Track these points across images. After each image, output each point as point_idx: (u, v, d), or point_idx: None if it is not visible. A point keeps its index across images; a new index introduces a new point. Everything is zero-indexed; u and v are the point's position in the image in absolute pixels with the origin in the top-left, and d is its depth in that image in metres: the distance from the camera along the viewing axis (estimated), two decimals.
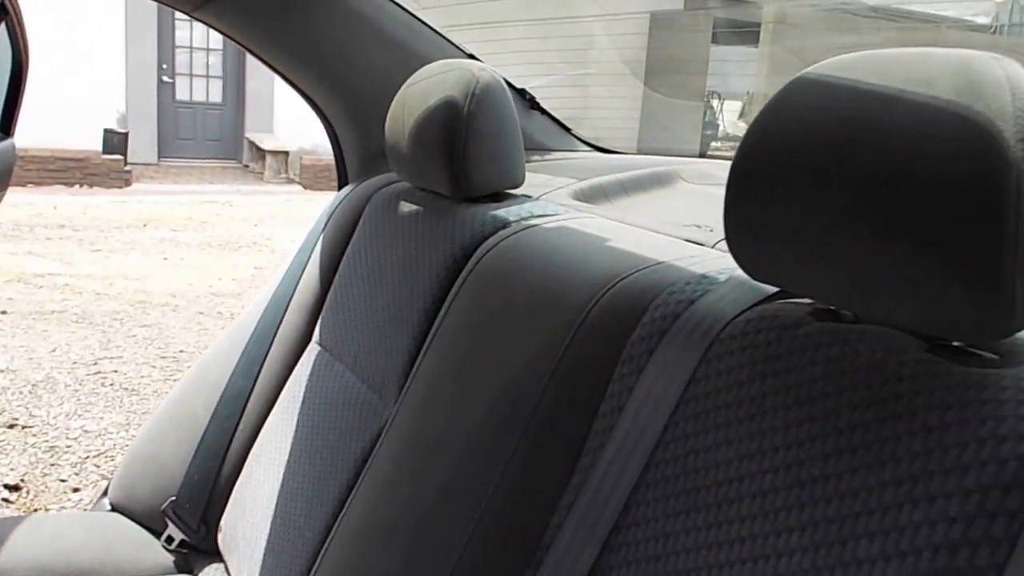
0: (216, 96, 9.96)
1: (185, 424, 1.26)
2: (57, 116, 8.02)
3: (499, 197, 1.06)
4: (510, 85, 1.40)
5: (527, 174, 1.22)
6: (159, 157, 9.72)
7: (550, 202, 1.10)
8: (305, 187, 9.12)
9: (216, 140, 10.11)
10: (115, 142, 8.69)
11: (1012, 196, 0.45)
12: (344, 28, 1.25)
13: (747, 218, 0.57)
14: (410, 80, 1.09)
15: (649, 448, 0.63)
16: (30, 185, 7.98)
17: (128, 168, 8.60)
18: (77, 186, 8.29)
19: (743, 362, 0.60)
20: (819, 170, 0.52)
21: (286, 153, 9.36)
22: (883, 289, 0.51)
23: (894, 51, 0.53)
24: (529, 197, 1.09)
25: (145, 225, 6.49)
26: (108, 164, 8.46)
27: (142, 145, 9.37)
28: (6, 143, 1.79)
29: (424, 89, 1.05)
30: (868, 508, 0.49)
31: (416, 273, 1.00)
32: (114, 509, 1.28)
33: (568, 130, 1.49)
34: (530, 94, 1.41)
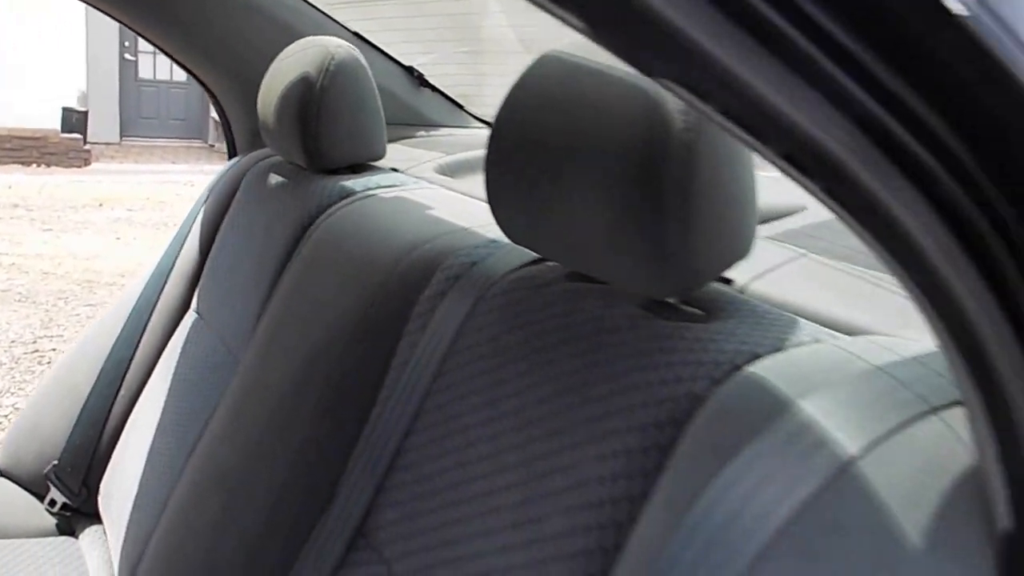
0: (181, 75, 9.84)
1: (69, 392, 1.29)
2: (14, 94, 7.90)
3: (358, 169, 1.10)
4: (397, 62, 1.44)
5: (409, 149, 1.26)
6: (121, 136, 9.62)
7: (412, 175, 1.14)
8: None
9: (181, 120, 10.01)
10: (74, 121, 8.58)
11: (675, 164, 0.50)
12: (226, 5, 1.28)
13: (502, 185, 0.62)
14: (279, 57, 1.12)
15: (421, 397, 0.68)
16: None
17: (87, 147, 8.50)
18: (35, 165, 8.19)
19: (498, 318, 0.65)
20: (555, 144, 0.56)
21: None
22: (600, 251, 0.56)
23: None
24: (391, 170, 1.13)
25: (101, 205, 6.44)
26: (67, 143, 8.36)
27: (103, 124, 9.26)
28: None
29: (287, 66, 1.08)
30: (565, 445, 0.54)
31: (272, 241, 1.03)
32: (1, 475, 1.31)
33: (460, 107, 1.53)
34: (418, 71, 1.45)
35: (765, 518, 0.40)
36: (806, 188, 0.32)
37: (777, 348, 0.52)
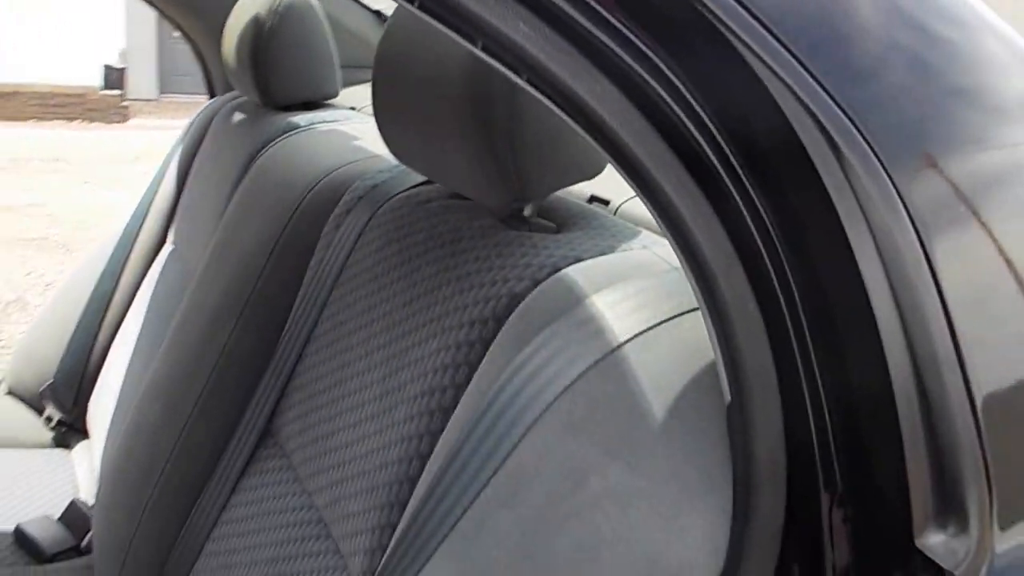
0: None
1: (62, 319, 1.40)
2: (57, 52, 8.10)
3: (311, 106, 1.17)
4: (365, 6, 1.49)
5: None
6: (160, 93, 9.80)
7: (368, 114, 1.21)
8: None
9: None
10: (114, 78, 8.78)
11: (501, 98, 0.56)
12: None
13: (386, 110, 0.68)
14: (239, 0, 1.19)
15: (319, 309, 0.75)
16: (31, 120, 8.12)
17: (126, 104, 8.70)
18: (77, 121, 8.42)
19: (382, 233, 0.71)
20: (422, 75, 0.62)
21: None
22: (458, 170, 0.62)
23: None
24: (342, 107, 1.19)
25: (136, 159, 6.62)
26: (107, 100, 8.57)
27: (142, 81, 9.44)
28: None
29: (243, 8, 1.14)
30: (416, 341, 0.61)
31: (224, 173, 1.11)
32: (10, 393, 1.43)
33: None
34: (385, 15, 1.50)
35: (541, 394, 0.46)
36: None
37: (602, 253, 0.57)
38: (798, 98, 0.36)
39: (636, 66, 0.35)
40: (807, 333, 0.37)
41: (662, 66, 0.35)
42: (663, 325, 0.46)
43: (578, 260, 0.56)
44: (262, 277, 0.84)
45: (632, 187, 0.38)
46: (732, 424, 0.41)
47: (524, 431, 0.46)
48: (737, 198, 0.37)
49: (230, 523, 0.77)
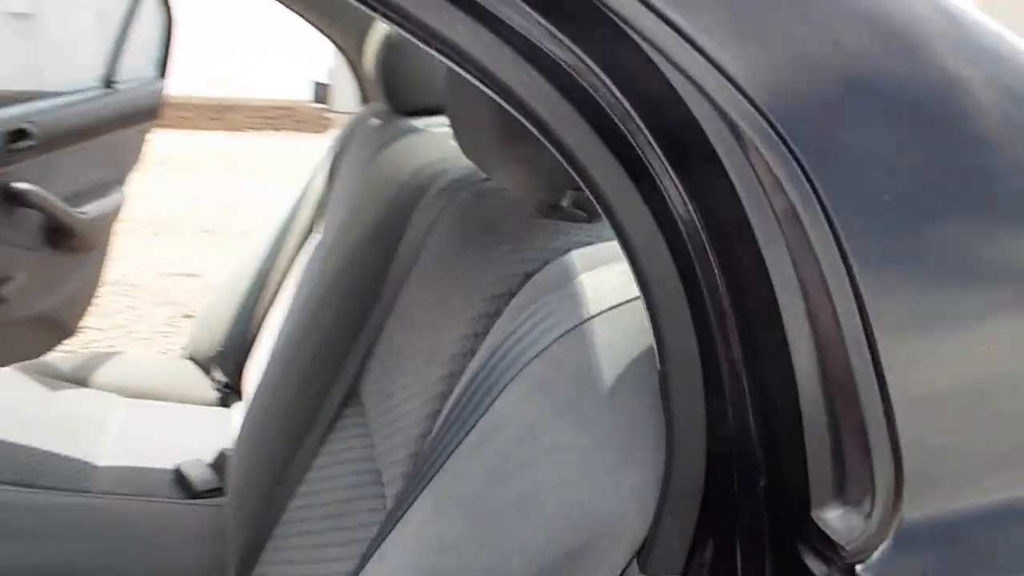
0: None
1: (232, 294, 1.62)
2: (270, 68, 9.02)
3: (432, 112, 1.29)
4: None
5: None
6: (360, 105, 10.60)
7: None
8: None
9: None
10: (322, 93, 9.61)
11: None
12: None
13: (456, 115, 0.78)
14: None
15: (401, 283, 0.86)
16: (248, 130, 9.08)
17: (328, 116, 9.51)
18: (286, 132, 9.31)
19: (449, 221, 0.82)
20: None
21: None
22: (504, 169, 0.71)
23: None
24: None
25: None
26: (313, 112, 9.42)
27: (346, 95, 10.24)
28: (158, 83, 2.25)
29: (379, 24, 1.30)
30: (453, 311, 0.70)
31: (355, 171, 1.26)
32: (190, 358, 1.68)
33: None
34: None
35: (520, 356, 0.53)
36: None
37: (612, 238, 0.63)
38: (700, 89, 0.41)
39: (560, 57, 0.42)
40: (728, 315, 0.41)
41: (585, 58, 0.42)
42: (635, 302, 0.51)
43: (588, 244, 0.63)
44: (365, 256, 0.97)
45: (569, 170, 0.45)
46: (662, 393, 0.45)
47: (502, 389, 0.52)
48: (660, 182, 0.42)
49: (318, 468, 0.89)
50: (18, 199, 1.58)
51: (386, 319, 0.88)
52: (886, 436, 0.39)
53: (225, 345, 1.59)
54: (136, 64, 2.17)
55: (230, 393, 1.59)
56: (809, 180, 0.40)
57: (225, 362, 1.58)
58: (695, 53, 0.40)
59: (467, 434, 0.53)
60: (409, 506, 0.54)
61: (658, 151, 0.42)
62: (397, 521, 0.55)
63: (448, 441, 0.55)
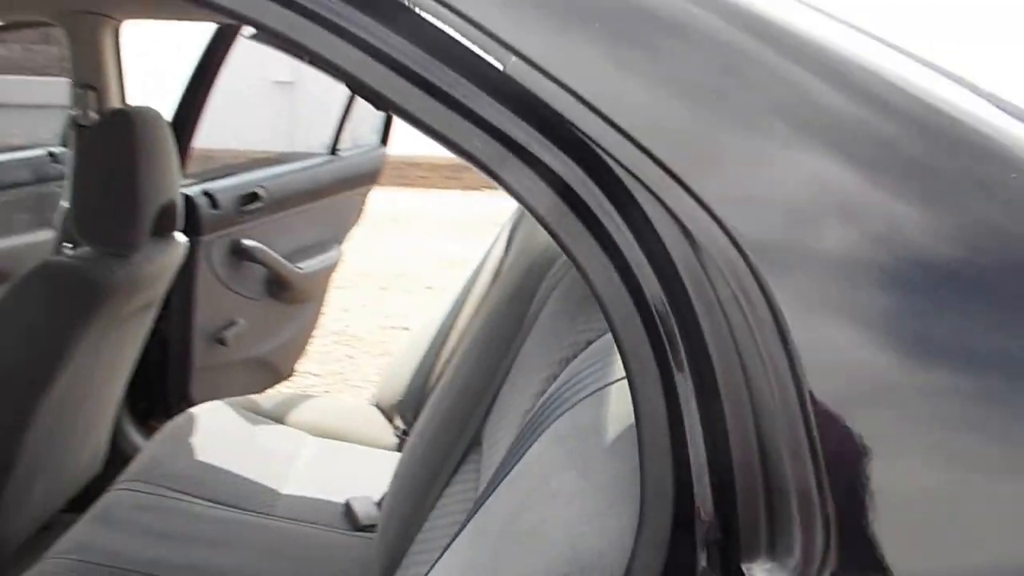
0: None
1: (416, 349, 1.75)
2: None
3: None
4: None
5: None
6: None
7: None
8: None
9: None
10: None
11: None
12: None
13: None
14: None
15: (527, 329, 0.93)
16: (484, 189, 9.70)
17: None
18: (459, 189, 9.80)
19: (561, 277, 0.87)
20: None
21: None
22: None
23: None
24: None
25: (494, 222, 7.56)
26: None
27: None
28: (380, 150, 2.51)
29: None
30: (535, 370, 0.76)
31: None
32: (376, 405, 1.83)
33: None
34: None
35: (554, 412, 0.61)
36: None
37: None
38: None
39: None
40: (688, 374, 0.42)
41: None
42: None
43: None
44: (502, 319, 1.04)
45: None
46: (639, 452, 0.48)
47: (535, 440, 0.61)
48: (609, 229, 0.44)
49: (440, 507, 0.97)
50: (246, 254, 1.84)
51: (511, 362, 0.94)
52: (816, 501, 0.40)
53: (406, 395, 1.71)
54: (361, 130, 2.43)
55: (407, 439, 1.71)
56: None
57: (405, 411, 1.70)
58: None
59: (505, 476, 0.61)
60: (457, 535, 0.64)
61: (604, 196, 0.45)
62: (447, 548, 0.64)
63: (493, 482, 0.64)
